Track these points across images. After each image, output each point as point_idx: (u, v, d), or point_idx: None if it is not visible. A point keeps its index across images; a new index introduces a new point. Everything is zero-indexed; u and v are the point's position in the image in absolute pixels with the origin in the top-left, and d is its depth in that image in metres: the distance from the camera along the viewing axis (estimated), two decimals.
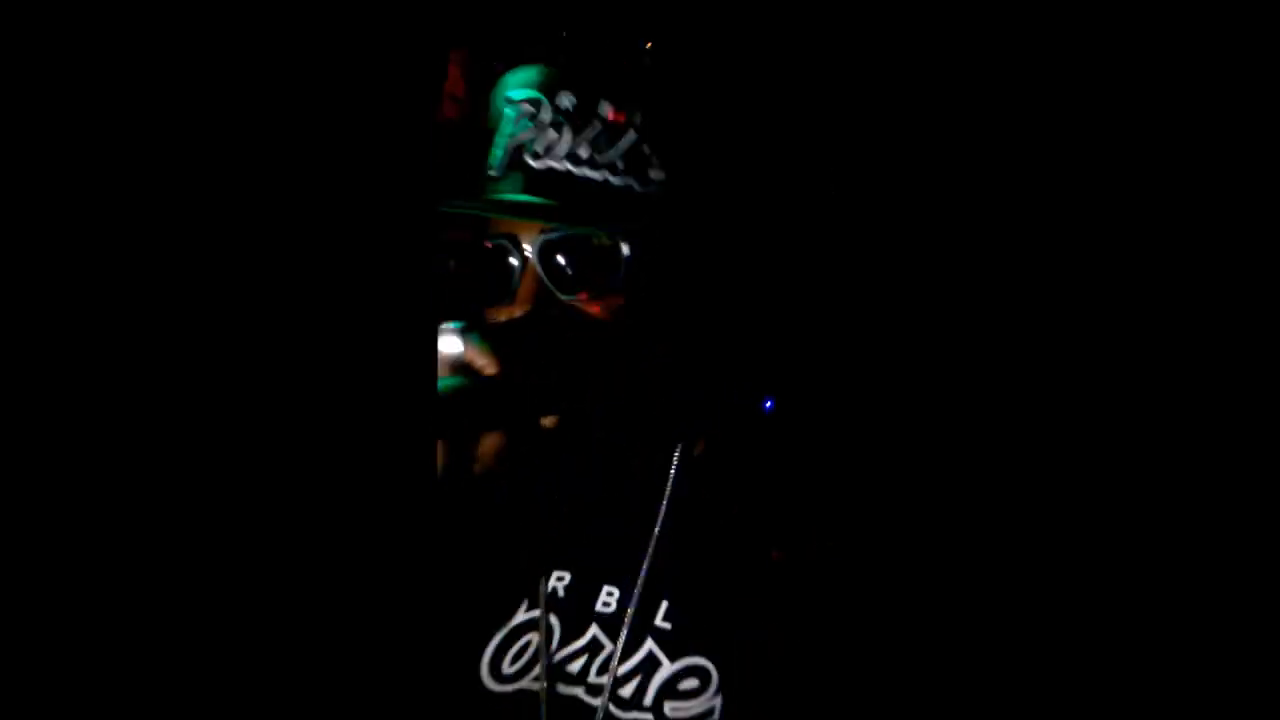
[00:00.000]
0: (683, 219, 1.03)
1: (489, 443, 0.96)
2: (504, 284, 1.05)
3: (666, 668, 1.04)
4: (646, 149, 1.02)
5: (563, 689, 1.06)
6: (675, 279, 1.05)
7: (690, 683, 1.03)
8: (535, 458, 1.08)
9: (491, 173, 1.07)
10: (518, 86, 1.06)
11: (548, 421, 1.00)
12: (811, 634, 1.05)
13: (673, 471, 1.11)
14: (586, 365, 1.01)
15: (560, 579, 1.10)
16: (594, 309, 1.02)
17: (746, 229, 1.08)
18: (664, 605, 1.06)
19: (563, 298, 1.03)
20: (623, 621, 1.06)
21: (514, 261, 1.04)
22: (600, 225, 1.01)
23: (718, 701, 1.02)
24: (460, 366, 0.95)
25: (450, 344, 0.95)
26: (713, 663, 1.03)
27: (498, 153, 1.06)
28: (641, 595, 1.06)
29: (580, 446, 1.09)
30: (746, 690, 1.02)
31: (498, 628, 1.09)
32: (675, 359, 1.07)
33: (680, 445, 1.12)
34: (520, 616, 1.09)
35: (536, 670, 1.07)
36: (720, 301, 1.08)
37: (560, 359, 1.00)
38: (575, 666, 1.07)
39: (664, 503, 1.10)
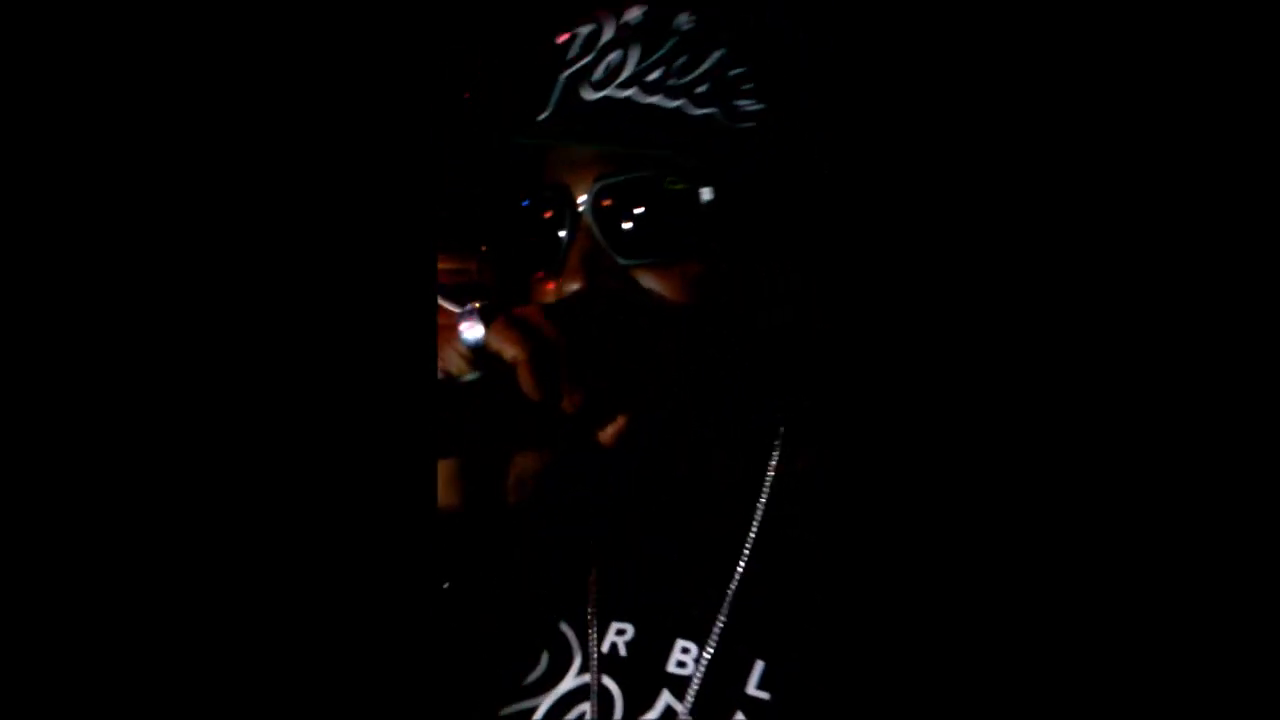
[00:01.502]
0: (786, 162, 0.79)
1: (523, 460, 0.72)
2: (549, 249, 0.82)
3: None
4: (738, 71, 0.78)
5: None
6: (773, 243, 0.81)
7: None
8: (583, 476, 0.84)
9: (542, 118, 0.84)
10: (590, 28, 0.83)
11: (605, 436, 0.75)
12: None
13: (764, 493, 0.87)
14: (651, 360, 0.77)
15: (621, 633, 0.85)
16: (665, 282, 0.79)
17: (869, 177, 0.84)
18: (759, 668, 0.81)
19: (624, 263, 0.79)
20: (696, 683, 0.81)
21: (561, 220, 0.81)
22: (672, 163, 0.78)
23: None
24: (482, 358, 0.71)
25: (471, 330, 0.71)
26: None
27: (551, 97, 0.84)
28: (723, 652, 0.81)
29: (644, 463, 0.85)
30: None
31: (543, 694, 0.83)
32: (767, 355, 0.83)
33: (776, 459, 0.87)
34: (570, 681, 0.84)
35: None
36: (829, 279, 0.84)
37: (616, 350, 0.75)
38: None
39: (752, 531, 0.85)
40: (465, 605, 0.85)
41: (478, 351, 0.69)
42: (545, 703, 0.83)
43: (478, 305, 0.70)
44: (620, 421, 0.75)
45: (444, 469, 0.68)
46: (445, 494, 0.68)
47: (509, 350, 0.70)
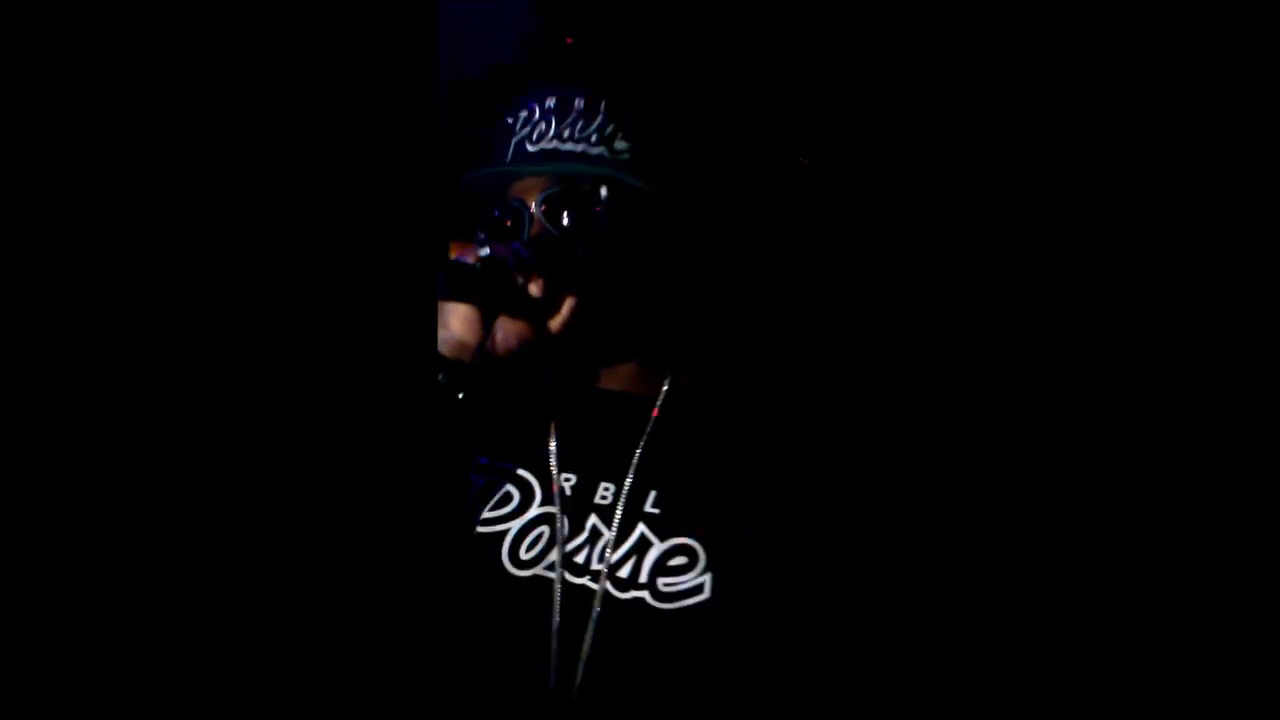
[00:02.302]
0: (647, 175, 1.27)
1: (506, 324, 1.19)
2: (519, 229, 1.28)
3: (657, 547, 1.23)
4: (613, 127, 1.27)
5: (571, 579, 1.25)
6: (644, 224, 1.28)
7: (679, 560, 1.21)
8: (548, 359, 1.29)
9: (504, 166, 1.34)
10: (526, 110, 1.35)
11: (555, 323, 1.22)
12: (794, 517, 1.23)
13: (662, 394, 1.31)
14: (576, 282, 1.23)
15: (567, 480, 1.29)
16: (584, 245, 1.25)
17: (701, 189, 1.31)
18: (652, 494, 1.25)
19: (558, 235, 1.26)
20: (617, 511, 1.25)
21: (522, 219, 1.29)
22: (583, 180, 1.28)
23: (707, 578, 1.20)
24: (485, 260, 1.18)
25: (481, 248, 1.19)
26: (699, 542, 1.21)
27: (508, 152, 1.34)
28: (630, 489, 1.25)
29: (580, 363, 1.30)
30: (734, 567, 1.20)
31: (514, 519, 1.28)
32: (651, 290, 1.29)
33: (670, 376, 1.32)
34: (534, 511, 1.28)
35: (550, 558, 1.25)
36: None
37: (556, 274, 1.23)
38: (580, 557, 1.25)
39: (653, 415, 1.30)
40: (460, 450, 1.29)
41: (484, 258, 1.17)
42: (516, 525, 1.28)
43: (484, 236, 1.20)
44: (564, 312, 1.23)
45: (463, 315, 1.15)
46: (463, 330, 1.15)
47: (499, 254, 1.18)
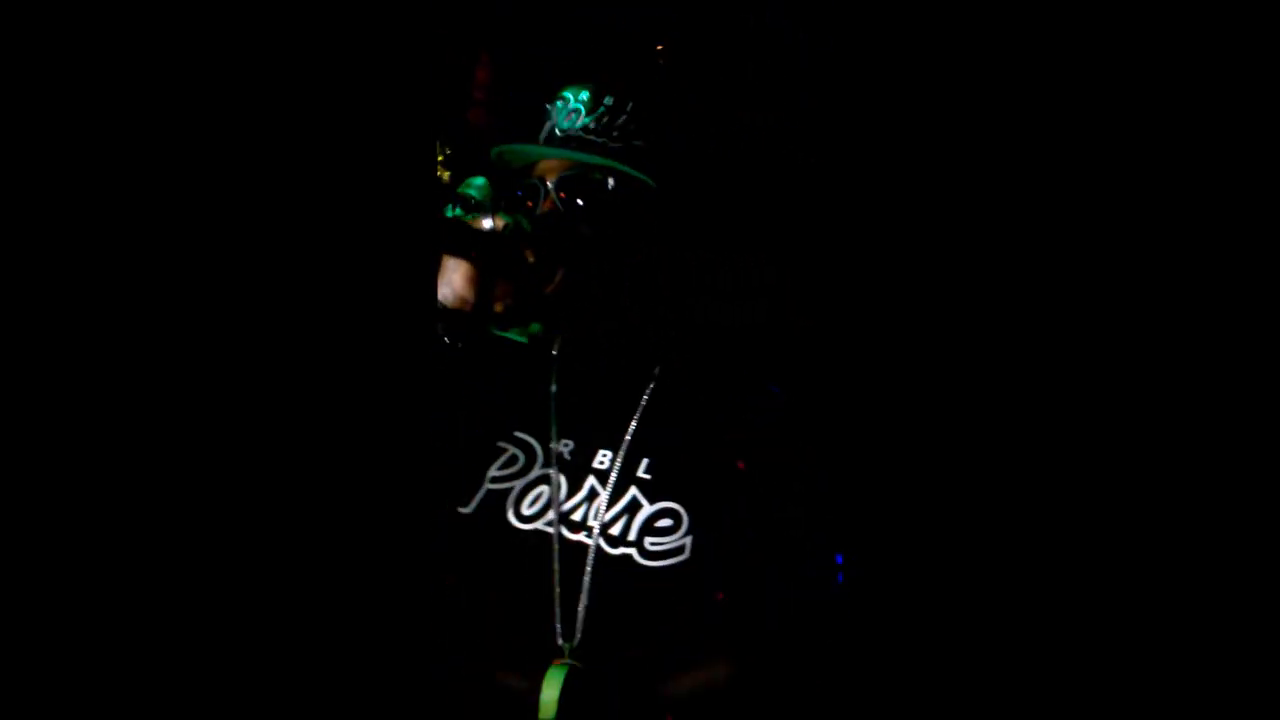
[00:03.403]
0: (651, 169, 1.40)
1: (505, 289, 1.35)
2: (533, 204, 1.43)
3: (646, 509, 1.36)
4: (633, 126, 1.42)
5: (568, 534, 1.38)
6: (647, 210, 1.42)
7: (665, 522, 1.35)
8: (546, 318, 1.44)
9: (535, 147, 1.48)
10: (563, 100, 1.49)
11: (550, 285, 1.37)
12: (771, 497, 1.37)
13: (655, 375, 1.45)
14: (577, 254, 1.40)
15: (565, 445, 1.42)
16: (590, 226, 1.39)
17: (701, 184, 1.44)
18: (645, 461, 1.38)
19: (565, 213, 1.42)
20: (612, 474, 1.38)
21: (539, 194, 1.43)
22: (596, 169, 1.41)
23: (689, 540, 1.33)
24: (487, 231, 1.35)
25: (486, 220, 1.37)
26: (683, 506, 1.34)
27: (540, 135, 1.49)
28: (625, 456, 1.39)
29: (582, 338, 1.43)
30: (712, 531, 1.34)
31: (517, 479, 1.41)
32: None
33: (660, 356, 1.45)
34: (536, 471, 1.41)
35: (550, 514, 1.39)
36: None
37: (557, 244, 1.39)
38: (578, 515, 1.38)
39: (649, 387, 1.43)
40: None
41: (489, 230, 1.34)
42: (519, 484, 1.41)
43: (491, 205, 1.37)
44: (555, 281, 1.37)
45: (464, 273, 1.32)
46: (463, 286, 1.32)
47: (499, 224, 1.34)
